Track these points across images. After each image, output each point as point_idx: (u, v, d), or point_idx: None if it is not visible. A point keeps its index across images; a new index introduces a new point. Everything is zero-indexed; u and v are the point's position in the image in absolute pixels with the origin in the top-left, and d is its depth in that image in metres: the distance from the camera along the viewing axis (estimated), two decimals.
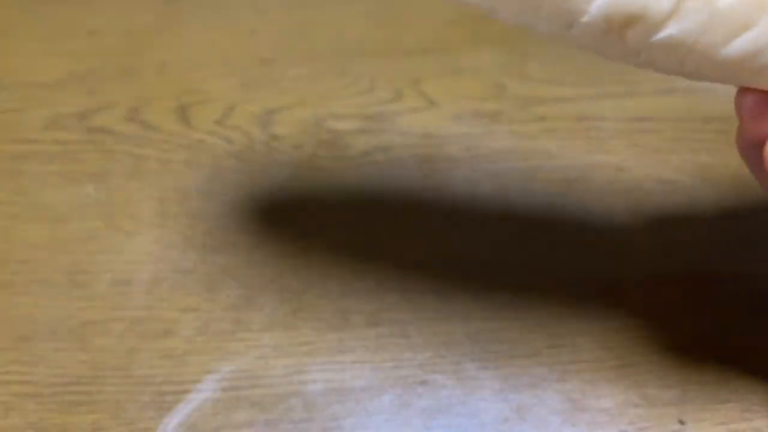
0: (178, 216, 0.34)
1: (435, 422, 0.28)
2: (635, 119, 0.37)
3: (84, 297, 0.31)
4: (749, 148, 0.23)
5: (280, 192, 0.35)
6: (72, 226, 0.34)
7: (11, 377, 0.29)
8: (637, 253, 0.32)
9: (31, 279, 0.32)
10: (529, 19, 0.20)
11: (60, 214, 0.34)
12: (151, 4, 0.44)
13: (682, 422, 0.27)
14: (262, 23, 0.43)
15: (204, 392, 0.29)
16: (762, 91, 0.21)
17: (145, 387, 0.29)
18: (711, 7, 0.18)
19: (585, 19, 0.19)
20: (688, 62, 0.20)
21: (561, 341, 0.30)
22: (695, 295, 0.31)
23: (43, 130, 0.38)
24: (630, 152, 0.36)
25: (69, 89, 0.40)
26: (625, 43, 0.19)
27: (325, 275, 0.32)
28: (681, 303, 0.31)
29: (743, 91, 0.22)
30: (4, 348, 0.30)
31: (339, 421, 0.28)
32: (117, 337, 0.30)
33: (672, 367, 0.29)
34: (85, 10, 0.44)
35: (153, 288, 0.32)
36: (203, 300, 0.31)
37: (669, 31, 0.19)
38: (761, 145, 0.21)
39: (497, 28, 0.41)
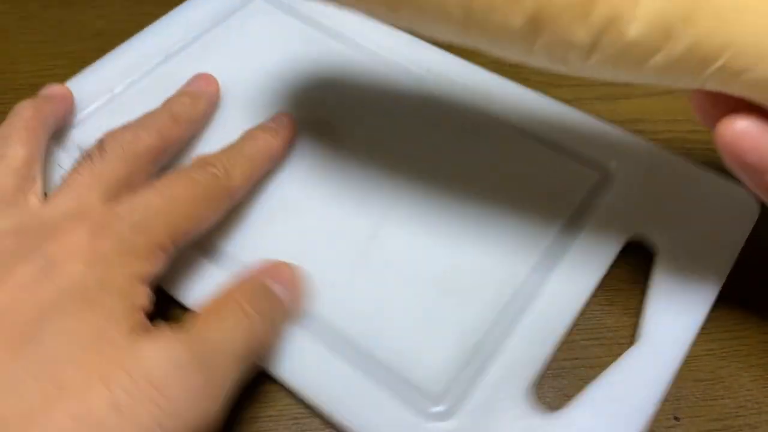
0: None
1: None
2: (629, 121, 0.37)
3: None
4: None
5: None
6: None
7: None
8: None
9: None
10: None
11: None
12: (155, 6, 0.45)
13: (676, 418, 0.28)
14: None
15: None
16: (706, 92, 0.23)
17: None
18: (623, 39, 0.21)
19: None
20: (621, 77, 0.23)
21: None
22: None
23: None
24: None
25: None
26: (569, 67, 0.23)
27: None
28: None
29: (693, 92, 0.25)
30: None
31: None
32: None
33: None
34: (91, 12, 0.45)
35: None
36: None
37: (595, 58, 0.22)
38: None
39: None
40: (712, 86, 0.23)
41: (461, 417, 0.26)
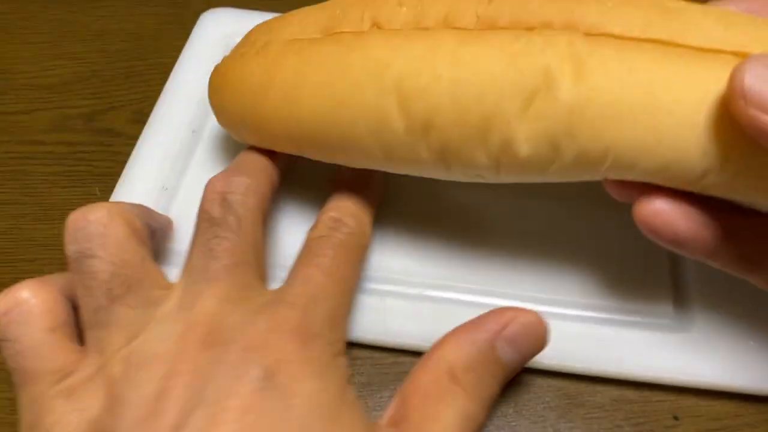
0: None
1: None
2: None
3: None
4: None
5: None
6: None
7: None
8: None
9: None
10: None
11: (67, 214, 0.34)
12: (157, 6, 0.45)
13: (676, 418, 0.28)
14: None
15: None
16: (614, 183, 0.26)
17: None
18: (518, 158, 0.24)
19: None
20: (534, 181, 0.26)
21: None
22: None
23: (50, 131, 0.39)
24: None
25: (75, 91, 0.40)
26: (486, 180, 0.27)
27: None
28: None
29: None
30: None
31: None
32: None
33: None
34: (92, 13, 0.45)
35: None
36: None
37: (503, 174, 0.25)
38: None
39: None
40: (612, 177, 0.25)
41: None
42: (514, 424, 0.28)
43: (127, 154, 0.35)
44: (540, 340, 0.26)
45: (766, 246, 0.24)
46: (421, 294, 0.30)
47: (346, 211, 0.28)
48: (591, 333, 0.29)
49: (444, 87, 0.24)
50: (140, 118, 0.38)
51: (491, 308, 0.27)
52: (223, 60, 0.31)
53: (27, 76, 0.41)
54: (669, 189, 0.24)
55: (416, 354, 0.29)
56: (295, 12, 0.30)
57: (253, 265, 0.25)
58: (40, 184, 0.36)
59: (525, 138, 0.24)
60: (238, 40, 0.34)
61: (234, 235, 0.25)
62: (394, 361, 0.29)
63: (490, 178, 0.26)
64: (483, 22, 0.25)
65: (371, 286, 0.31)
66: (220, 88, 0.31)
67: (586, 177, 0.25)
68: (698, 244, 0.24)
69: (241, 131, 0.30)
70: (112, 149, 0.38)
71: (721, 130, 0.22)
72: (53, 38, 0.43)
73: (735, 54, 0.22)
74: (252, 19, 0.35)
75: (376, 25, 0.26)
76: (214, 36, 0.40)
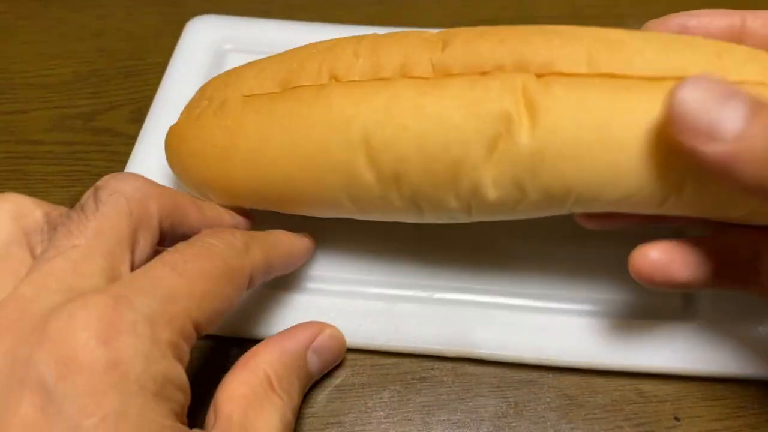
0: None
1: (434, 418, 0.28)
2: None
3: None
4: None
5: None
6: None
7: None
8: None
9: None
10: None
11: None
12: (156, 6, 0.45)
13: (677, 419, 0.28)
14: None
15: None
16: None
17: None
18: (488, 200, 0.25)
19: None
20: (506, 218, 0.27)
21: None
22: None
23: (49, 131, 0.38)
24: None
25: (74, 90, 0.40)
26: (459, 221, 0.28)
27: None
28: None
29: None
30: None
31: (339, 417, 0.28)
32: None
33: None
34: (91, 13, 0.45)
35: None
36: None
37: (475, 215, 0.27)
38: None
39: None
40: (578, 210, 0.26)
41: None
42: (514, 425, 0.28)
43: (127, 154, 0.35)
44: (340, 352, 0.28)
45: (752, 258, 0.25)
46: (431, 297, 0.30)
47: (235, 232, 0.26)
48: (601, 327, 0.29)
49: (410, 138, 0.25)
50: (139, 117, 0.38)
51: (502, 307, 0.29)
52: (178, 121, 0.31)
53: (26, 75, 0.41)
54: (660, 237, 0.25)
55: (419, 356, 0.29)
56: (250, 64, 0.30)
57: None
58: (39, 184, 0.36)
59: (492, 182, 0.25)
60: (227, 46, 0.34)
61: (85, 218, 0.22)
62: (394, 361, 0.29)
63: (463, 219, 0.27)
64: (438, 70, 0.25)
65: (381, 291, 0.31)
66: (180, 152, 0.30)
67: (554, 212, 0.26)
68: (695, 284, 0.25)
69: (206, 193, 0.30)
70: (111, 149, 0.37)
71: (672, 157, 0.23)
72: (52, 38, 0.43)
73: (677, 79, 0.23)
74: (236, 25, 0.36)
75: (334, 78, 0.27)
76: (203, 43, 0.40)
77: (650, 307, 0.30)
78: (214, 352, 0.29)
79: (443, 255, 0.32)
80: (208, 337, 0.29)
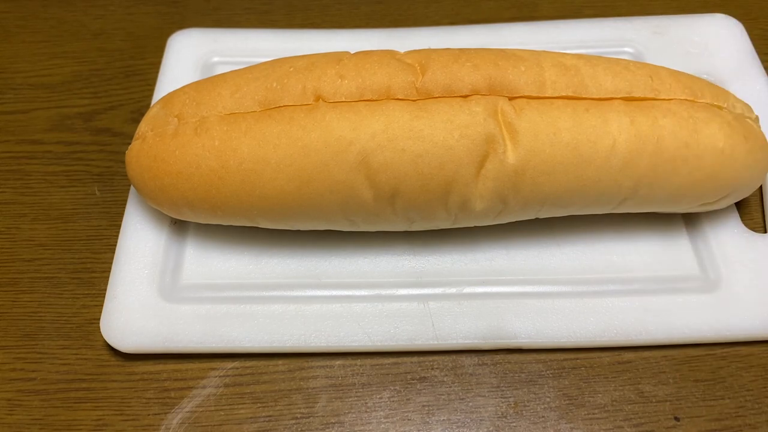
0: None
1: (434, 418, 0.28)
2: None
3: (89, 295, 0.32)
4: None
5: None
6: (77, 225, 0.34)
7: (16, 374, 0.30)
8: None
9: (36, 277, 0.33)
10: None
11: (65, 213, 0.35)
12: (156, 6, 0.45)
13: (677, 418, 0.28)
14: None
15: (207, 388, 0.29)
16: None
17: (149, 383, 0.29)
18: (474, 212, 0.29)
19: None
20: (486, 224, 0.31)
21: None
22: None
23: (49, 130, 0.38)
24: None
25: (74, 90, 0.40)
26: (442, 227, 0.31)
27: None
28: None
29: None
30: (10, 345, 0.31)
31: (340, 417, 0.28)
32: None
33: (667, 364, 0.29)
34: (91, 12, 0.45)
35: None
36: None
37: (459, 224, 0.30)
38: None
39: None
40: (547, 215, 0.30)
41: None
42: (514, 424, 0.28)
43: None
44: None
45: None
46: (461, 292, 0.31)
47: None
48: (629, 305, 0.30)
49: (407, 159, 0.27)
50: (139, 117, 0.38)
51: (532, 296, 0.30)
52: (146, 139, 0.30)
53: (25, 75, 0.41)
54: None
55: (422, 354, 0.29)
56: (220, 80, 0.30)
57: None
58: (39, 184, 0.36)
59: (479, 196, 0.28)
60: (215, 59, 0.37)
61: None
62: (394, 361, 0.29)
63: (447, 226, 0.30)
64: (422, 92, 0.28)
65: (410, 292, 0.31)
66: (155, 171, 0.29)
67: (525, 218, 0.30)
68: None
69: (184, 211, 0.30)
70: (110, 148, 0.37)
71: (629, 168, 0.28)
72: (52, 37, 0.43)
73: (624, 99, 0.28)
74: (217, 37, 0.38)
75: (321, 98, 0.28)
76: (187, 57, 0.39)
77: (679, 281, 0.31)
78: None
79: (468, 249, 0.32)
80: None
